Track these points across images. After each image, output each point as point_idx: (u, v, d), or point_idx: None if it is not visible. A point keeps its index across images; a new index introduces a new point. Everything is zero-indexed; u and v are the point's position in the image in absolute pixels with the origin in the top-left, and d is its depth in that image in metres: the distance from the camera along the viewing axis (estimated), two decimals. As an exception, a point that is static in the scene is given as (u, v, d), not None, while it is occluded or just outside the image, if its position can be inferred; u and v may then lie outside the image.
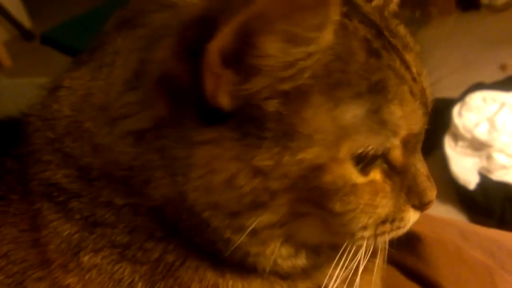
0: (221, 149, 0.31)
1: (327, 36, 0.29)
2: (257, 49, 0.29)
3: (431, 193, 0.37)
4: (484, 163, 1.27)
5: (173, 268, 0.35)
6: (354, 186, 0.33)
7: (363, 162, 0.33)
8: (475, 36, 1.93)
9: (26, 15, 2.66)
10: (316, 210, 0.33)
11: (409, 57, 0.35)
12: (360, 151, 0.32)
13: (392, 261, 0.41)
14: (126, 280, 0.34)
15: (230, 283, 0.36)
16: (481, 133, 1.29)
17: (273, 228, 0.33)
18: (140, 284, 0.34)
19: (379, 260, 0.39)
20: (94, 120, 0.35)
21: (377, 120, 0.32)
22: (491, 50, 1.81)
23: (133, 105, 0.33)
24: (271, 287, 0.37)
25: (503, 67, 1.68)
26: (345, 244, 0.36)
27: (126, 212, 0.35)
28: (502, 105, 1.33)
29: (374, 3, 0.38)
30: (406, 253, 0.56)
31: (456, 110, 1.37)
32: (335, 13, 0.28)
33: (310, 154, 0.31)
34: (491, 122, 1.29)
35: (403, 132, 0.33)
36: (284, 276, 0.38)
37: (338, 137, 0.31)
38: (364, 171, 0.33)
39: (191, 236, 0.34)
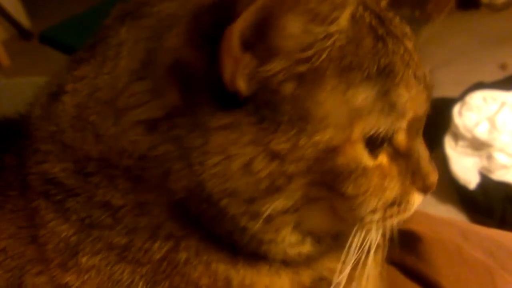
0: (238, 134, 0.31)
1: (346, 17, 0.30)
2: (279, 30, 0.29)
3: (433, 176, 0.38)
4: (484, 162, 1.27)
5: (179, 266, 0.35)
6: (365, 169, 0.33)
7: (373, 145, 0.33)
8: (475, 36, 1.93)
9: (25, 14, 2.66)
10: (328, 194, 0.34)
11: (409, 44, 0.36)
12: (372, 132, 0.33)
13: (392, 260, 0.41)
14: (125, 280, 0.34)
15: (241, 272, 0.36)
16: (482, 132, 1.29)
17: (286, 214, 0.34)
18: (141, 284, 0.34)
19: (378, 255, 0.39)
20: (99, 114, 0.35)
21: (386, 102, 0.33)
22: (491, 49, 1.81)
23: (142, 95, 0.33)
24: (277, 274, 0.38)
25: (503, 67, 1.68)
26: (354, 229, 0.36)
27: (124, 213, 0.34)
28: (503, 104, 1.33)
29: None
30: (406, 253, 0.56)
31: (456, 109, 1.37)
32: None
33: (325, 136, 0.32)
34: (492, 121, 1.29)
35: (409, 115, 0.34)
36: (288, 263, 0.38)
37: (351, 118, 0.32)
38: (373, 154, 0.34)
39: (211, 228, 0.35)
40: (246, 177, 0.32)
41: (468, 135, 1.30)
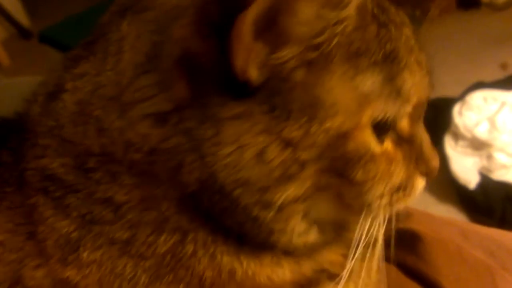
0: (250, 124, 0.31)
1: (355, 3, 0.31)
2: (293, 15, 0.29)
3: (435, 160, 0.39)
4: (484, 162, 1.27)
5: (184, 259, 0.35)
6: (373, 154, 0.34)
7: (379, 131, 0.34)
8: (475, 35, 1.93)
9: (24, 13, 2.66)
10: (337, 181, 0.34)
11: (408, 31, 0.36)
12: (380, 117, 0.33)
13: (392, 260, 0.41)
14: (128, 274, 0.34)
15: (245, 263, 0.36)
16: (482, 132, 1.29)
17: (296, 203, 0.34)
18: (143, 277, 0.34)
19: (377, 250, 0.39)
20: (103, 108, 0.34)
21: (393, 88, 0.33)
22: (491, 49, 1.81)
23: (149, 88, 0.33)
24: (279, 264, 0.38)
25: (503, 66, 1.68)
26: (362, 215, 0.37)
27: (128, 209, 0.34)
28: (503, 104, 1.33)
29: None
30: (406, 252, 0.56)
31: (456, 109, 1.37)
32: None
33: (336, 122, 0.32)
34: (492, 121, 1.30)
35: (414, 100, 0.35)
36: (290, 253, 0.38)
37: (360, 104, 0.32)
38: (380, 140, 0.34)
39: (222, 219, 0.35)
40: (259, 166, 0.32)
41: (468, 134, 1.31)
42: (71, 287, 0.34)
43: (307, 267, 0.39)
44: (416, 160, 0.38)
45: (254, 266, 0.37)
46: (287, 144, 0.32)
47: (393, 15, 0.36)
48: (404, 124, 0.36)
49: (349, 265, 0.38)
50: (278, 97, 0.31)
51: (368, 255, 0.38)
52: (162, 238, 0.34)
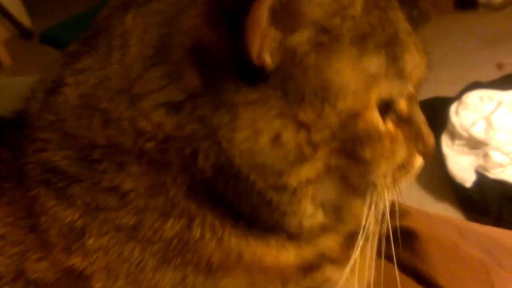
0: (265, 108, 0.32)
1: None
2: None
3: (432, 139, 0.40)
4: (481, 161, 1.27)
5: (191, 243, 0.35)
6: (380, 133, 0.35)
7: (383, 111, 0.35)
8: (472, 35, 1.93)
9: (26, 14, 2.65)
10: (346, 161, 0.35)
11: (402, 15, 0.37)
12: (386, 97, 0.34)
13: (388, 256, 0.42)
14: (135, 259, 0.34)
15: (252, 245, 0.37)
16: (478, 131, 1.29)
17: (308, 185, 0.35)
18: (151, 261, 0.34)
19: (374, 243, 0.40)
20: (111, 100, 0.34)
21: (396, 68, 0.35)
22: (488, 49, 1.81)
23: (159, 79, 0.33)
24: (284, 246, 0.39)
25: (500, 66, 1.68)
26: (369, 194, 0.38)
27: (135, 196, 0.34)
28: (499, 103, 1.33)
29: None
30: (403, 250, 0.58)
31: (453, 108, 1.37)
32: None
33: (347, 103, 0.33)
34: (488, 120, 1.30)
35: (415, 80, 0.36)
36: (293, 237, 0.39)
37: (368, 85, 0.33)
38: (383, 120, 0.35)
39: (236, 204, 0.35)
40: (275, 149, 0.32)
41: (464, 134, 1.31)
42: (76, 275, 0.34)
43: (308, 252, 0.40)
44: (415, 139, 0.39)
45: (262, 247, 0.37)
46: (302, 126, 0.32)
47: (388, 1, 0.37)
48: (403, 105, 0.37)
49: (358, 242, 0.39)
50: (291, 82, 0.32)
51: (362, 243, 0.39)
52: (169, 223, 0.34)
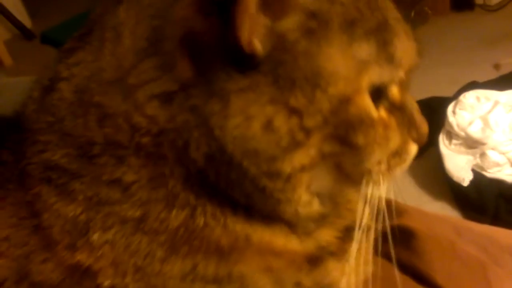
0: (256, 95, 0.32)
1: None
2: None
3: (425, 126, 0.40)
4: (477, 160, 1.27)
5: (197, 230, 0.35)
6: (372, 119, 0.35)
7: (375, 97, 0.35)
8: (469, 36, 1.94)
9: (26, 14, 2.65)
10: (340, 148, 0.35)
11: (390, 3, 0.38)
12: (377, 83, 0.35)
13: (385, 254, 0.43)
14: (143, 250, 0.34)
15: (259, 231, 0.37)
16: (475, 131, 1.29)
17: (303, 173, 0.35)
18: (159, 251, 0.34)
19: (370, 237, 0.41)
20: (105, 93, 0.34)
21: (387, 54, 0.35)
22: (485, 49, 1.82)
23: (153, 71, 0.33)
24: (288, 235, 0.39)
25: (496, 67, 1.69)
26: (364, 182, 0.38)
27: (138, 188, 0.34)
28: (496, 103, 1.33)
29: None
30: (400, 248, 0.57)
31: (450, 108, 1.38)
32: None
33: (338, 88, 0.33)
34: (485, 120, 1.30)
35: (405, 66, 0.36)
36: (291, 226, 0.40)
37: (358, 70, 0.33)
38: (376, 106, 0.36)
39: (230, 192, 0.35)
40: (267, 135, 0.32)
41: (461, 133, 1.31)
42: (83, 271, 0.34)
43: (309, 244, 0.40)
44: (408, 126, 0.39)
45: (269, 233, 0.38)
46: (293, 112, 0.32)
47: None
48: (395, 92, 0.37)
49: (356, 234, 0.39)
50: (282, 68, 0.32)
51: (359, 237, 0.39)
52: (173, 213, 0.35)
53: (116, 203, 0.34)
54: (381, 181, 0.38)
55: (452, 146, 1.33)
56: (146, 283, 0.35)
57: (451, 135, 1.35)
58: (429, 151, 1.36)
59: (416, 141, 0.40)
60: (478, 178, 1.24)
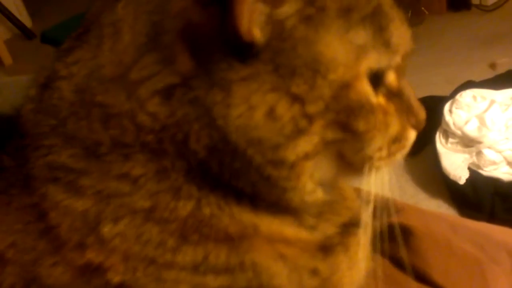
0: (258, 83, 0.32)
1: None
2: None
3: (423, 112, 0.40)
4: (474, 159, 1.28)
5: (206, 219, 0.35)
6: (372, 105, 0.35)
7: (374, 83, 0.35)
8: (465, 36, 1.95)
9: (27, 14, 2.65)
10: (342, 135, 0.35)
11: None
12: (375, 67, 0.35)
13: (383, 252, 0.43)
14: (155, 239, 0.34)
15: (266, 220, 0.37)
16: (471, 130, 1.30)
17: (306, 160, 0.35)
18: (171, 240, 0.34)
19: (367, 234, 0.41)
20: (107, 92, 0.34)
21: (383, 40, 0.35)
22: (481, 49, 1.83)
23: (154, 65, 0.33)
24: (297, 225, 0.40)
25: (492, 66, 1.70)
26: (366, 169, 0.38)
27: (146, 180, 0.35)
28: (492, 102, 1.34)
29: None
30: (398, 246, 0.59)
31: (447, 107, 1.38)
32: None
33: (338, 74, 0.33)
34: (481, 119, 1.31)
35: (401, 51, 0.37)
36: (298, 216, 0.40)
37: (357, 55, 0.34)
38: (375, 92, 0.36)
39: (234, 182, 0.35)
40: (270, 123, 0.33)
41: (458, 132, 1.32)
42: (93, 270, 0.34)
43: (318, 235, 0.41)
44: (406, 112, 0.39)
45: (277, 222, 0.38)
46: (295, 99, 0.33)
47: None
48: (392, 78, 0.38)
49: (364, 219, 0.40)
50: (281, 56, 0.32)
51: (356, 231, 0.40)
52: (181, 204, 0.35)
53: (126, 195, 0.34)
54: (383, 167, 0.39)
55: (449, 145, 1.34)
56: (157, 278, 0.34)
57: (447, 134, 1.36)
58: (425, 150, 1.37)
59: (414, 127, 0.40)
60: (475, 176, 1.25)
